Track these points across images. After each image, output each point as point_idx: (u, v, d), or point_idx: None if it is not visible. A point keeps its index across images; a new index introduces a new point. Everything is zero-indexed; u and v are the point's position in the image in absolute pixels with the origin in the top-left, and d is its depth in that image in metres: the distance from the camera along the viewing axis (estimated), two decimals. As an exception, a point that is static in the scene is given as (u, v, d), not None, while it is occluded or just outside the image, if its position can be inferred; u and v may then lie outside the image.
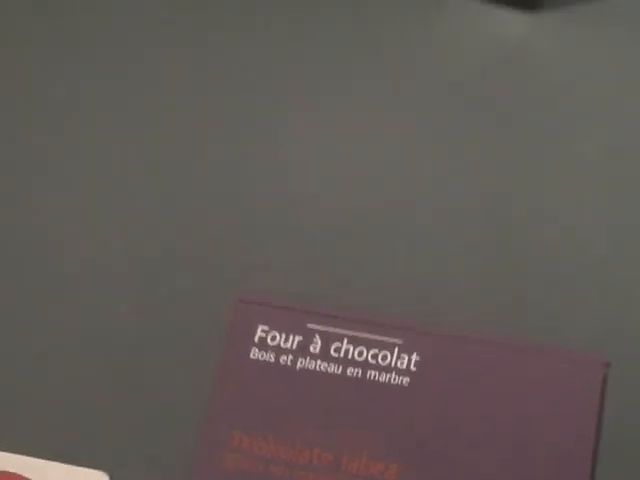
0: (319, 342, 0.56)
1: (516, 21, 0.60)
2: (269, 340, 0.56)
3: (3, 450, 0.59)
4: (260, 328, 0.56)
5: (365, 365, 0.55)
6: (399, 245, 0.59)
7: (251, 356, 0.56)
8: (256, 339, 0.56)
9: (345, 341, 0.56)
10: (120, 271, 0.61)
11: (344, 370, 0.55)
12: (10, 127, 0.64)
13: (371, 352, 0.56)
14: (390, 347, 0.56)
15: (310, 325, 0.56)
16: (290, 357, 0.56)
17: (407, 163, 0.59)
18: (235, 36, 0.63)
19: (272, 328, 0.56)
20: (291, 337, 0.56)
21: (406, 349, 0.56)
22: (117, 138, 0.63)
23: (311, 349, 0.56)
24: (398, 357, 0.55)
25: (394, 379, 0.55)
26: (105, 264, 0.61)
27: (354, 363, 0.56)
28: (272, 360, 0.56)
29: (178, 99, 0.63)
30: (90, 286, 0.61)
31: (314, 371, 0.55)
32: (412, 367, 0.55)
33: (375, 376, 0.55)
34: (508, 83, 0.59)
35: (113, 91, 0.64)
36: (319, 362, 0.56)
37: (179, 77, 0.63)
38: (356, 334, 0.56)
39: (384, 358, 0.55)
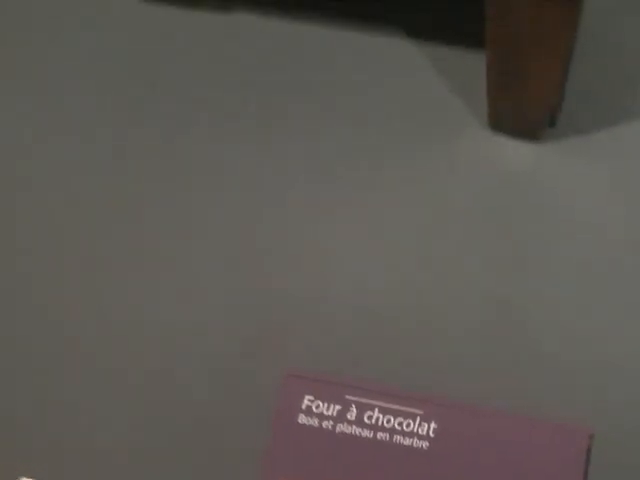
0: (355, 411, 0.67)
1: (521, 149, 0.72)
2: (314, 408, 0.68)
3: None
4: (306, 398, 0.68)
5: (392, 431, 0.67)
6: (422, 333, 0.70)
7: (299, 421, 0.67)
8: (303, 407, 0.68)
9: (376, 410, 0.67)
10: (192, 350, 0.72)
11: (375, 434, 0.67)
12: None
13: (397, 420, 0.67)
14: (413, 416, 0.67)
15: (348, 396, 0.68)
16: (331, 422, 0.67)
17: (430, 263, 0.71)
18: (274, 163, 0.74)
19: (316, 398, 0.68)
20: (332, 406, 0.68)
21: (426, 418, 0.67)
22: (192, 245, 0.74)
23: (348, 416, 0.67)
24: (419, 425, 0.67)
25: (416, 443, 0.66)
26: (176, 344, 0.72)
27: (383, 429, 0.67)
28: (316, 425, 0.67)
29: (238, 219, 0.75)
30: (160, 359, 0.72)
31: (350, 435, 0.67)
32: (431, 433, 0.66)
33: (400, 440, 0.66)
34: (513, 202, 0.70)
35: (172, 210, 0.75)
36: (354, 427, 0.67)
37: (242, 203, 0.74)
38: (385, 405, 0.67)
39: (408, 425, 0.67)
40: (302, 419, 0.67)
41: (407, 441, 0.66)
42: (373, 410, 0.67)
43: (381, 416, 0.67)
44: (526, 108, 0.68)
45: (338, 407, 0.67)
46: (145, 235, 0.73)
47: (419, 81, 0.71)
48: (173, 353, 0.71)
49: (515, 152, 0.70)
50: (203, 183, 0.73)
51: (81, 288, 0.73)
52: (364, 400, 0.67)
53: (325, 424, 0.67)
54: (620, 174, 0.69)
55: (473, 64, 0.71)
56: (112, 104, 0.75)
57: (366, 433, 0.67)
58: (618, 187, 0.69)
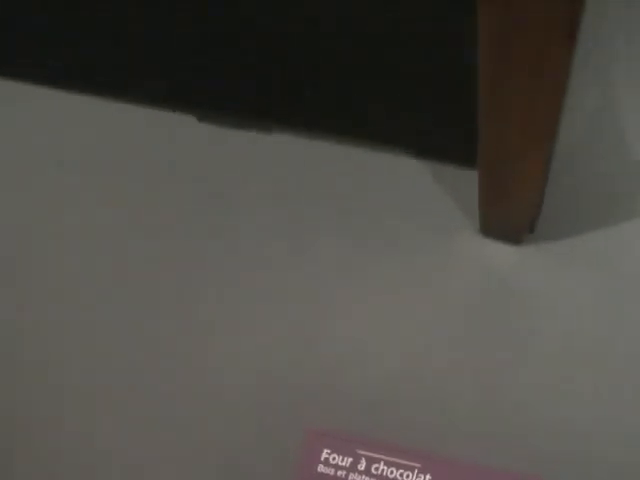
0: (364, 463, 0.81)
1: (506, 251, 0.86)
2: (330, 460, 0.81)
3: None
4: (325, 451, 0.81)
5: (394, 481, 0.81)
6: (420, 401, 0.82)
7: (318, 470, 0.81)
8: (322, 458, 0.81)
9: (382, 463, 0.80)
10: (225, 406, 0.84)
11: (380, 483, 0.81)
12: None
13: (399, 471, 0.80)
14: (412, 469, 0.80)
15: (358, 451, 0.81)
16: (344, 472, 0.80)
17: (428, 344, 0.83)
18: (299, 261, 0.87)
19: (333, 451, 0.81)
20: (345, 458, 0.81)
21: (423, 471, 0.80)
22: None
23: (358, 467, 0.80)
24: (417, 476, 0.80)
25: (414, 491, 0.80)
26: (214, 403, 0.85)
27: (387, 479, 0.80)
28: (332, 474, 0.80)
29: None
30: (196, 415, 0.86)
31: (360, 483, 0.81)
32: (426, 483, 0.80)
33: (401, 489, 0.80)
34: (497, 300, 0.83)
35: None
36: (363, 477, 0.80)
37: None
38: (389, 458, 0.80)
39: (407, 476, 0.80)
40: (321, 468, 0.81)
41: (407, 489, 0.80)
42: (379, 462, 0.80)
43: (386, 468, 0.80)
44: (511, 217, 0.81)
45: (350, 459, 0.81)
46: (182, 324, 0.87)
47: (424, 195, 0.86)
48: (214, 413, 0.85)
49: (501, 253, 0.85)
50: (240, 275, 0.88)
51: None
52: (372, 454, 0.81)
53: (339, 473, 0.80)
54: (588, 273, 0.83)
55: (468, 180, 0.85)
56: (161, 211, 0.90)
57: (373, 482, 0.81)
58: (587, 284, 0.83)
